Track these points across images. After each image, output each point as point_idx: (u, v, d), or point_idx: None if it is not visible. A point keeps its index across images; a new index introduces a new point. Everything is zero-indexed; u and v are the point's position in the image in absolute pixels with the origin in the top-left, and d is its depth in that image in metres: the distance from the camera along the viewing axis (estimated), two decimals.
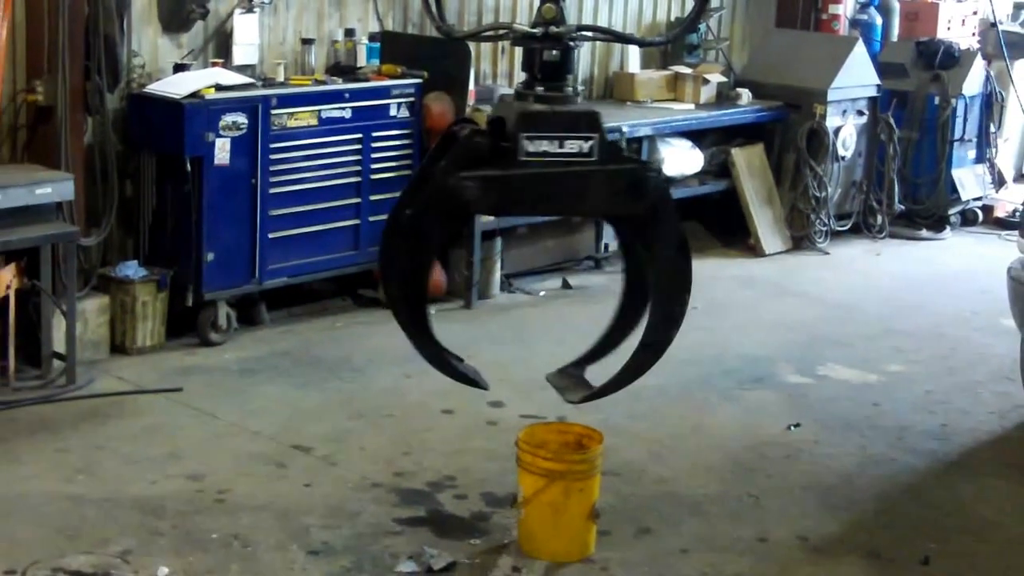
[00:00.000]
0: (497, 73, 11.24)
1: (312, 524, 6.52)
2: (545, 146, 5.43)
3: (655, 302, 5.81)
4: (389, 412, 8.03)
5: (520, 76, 5.91)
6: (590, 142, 5.41)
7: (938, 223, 13.12)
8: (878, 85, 12.59)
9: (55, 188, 8.06)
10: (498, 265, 10.40)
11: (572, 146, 5.43)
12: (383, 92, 9.58)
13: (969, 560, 6.64)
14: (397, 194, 9.42)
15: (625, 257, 6.29)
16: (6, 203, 7.77)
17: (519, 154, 5.46)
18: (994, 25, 14.11)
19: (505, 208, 5.83)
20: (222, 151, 8.71)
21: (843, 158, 12.34)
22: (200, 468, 7.10)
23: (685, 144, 11.53)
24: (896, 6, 13.87)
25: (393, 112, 9.61)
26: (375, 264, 9.56)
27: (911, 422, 8.28)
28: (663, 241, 5.67)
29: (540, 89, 5.63)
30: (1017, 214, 12.79)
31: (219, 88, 8.73)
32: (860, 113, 12.48)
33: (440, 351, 5.99)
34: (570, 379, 6.29)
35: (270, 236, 9.05)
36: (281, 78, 9.28)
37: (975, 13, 14.34)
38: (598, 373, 6.31)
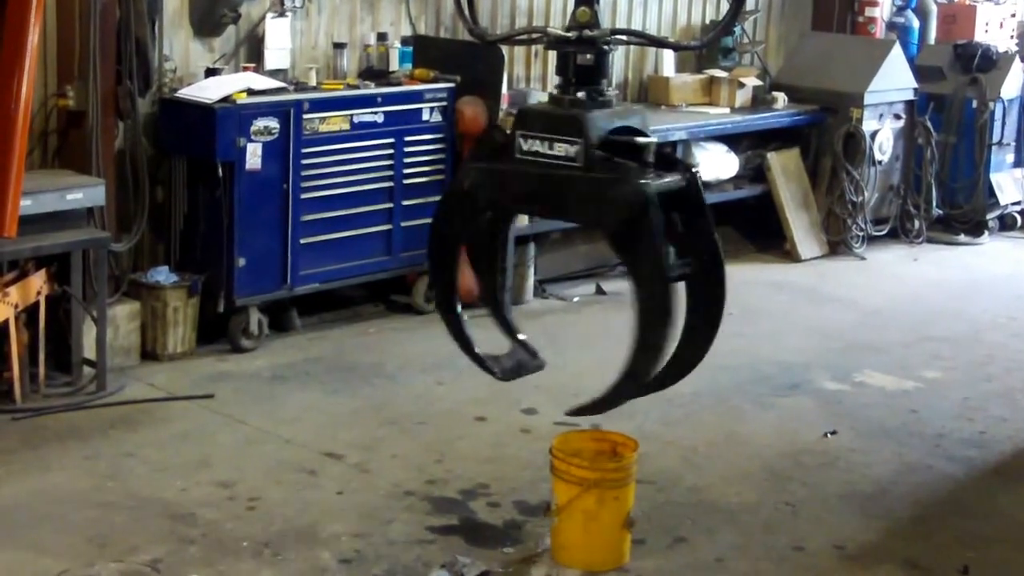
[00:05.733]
0: (530, 77, 11.19)
1: (344, 532, 6.48)
2: (537, 146, 5.41)
3: (634, 327, 5.44)
4: (422, 419, 7.99)
5: (554, 80, 5.87)
6: (575, 146, 5.36)
7: (976, 228, 13.02)
8: (915, 88, 12.52)
9: (86, 193, 8.05)
10: (531, 271, 10.35)
11: (559, 149, 5.38)
12: (416, 96, 9.53)
13: (1008, 569, 6.57)
14: (430, 199, 9.52)
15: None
16: (37, 209, 7.74)
17: (515, 151, 5.45)
18: None
19: (502, 203, 5.77)
20: (254, 156, 8.68)
21: (880, 162, 12.26)
22: (231, 475, 7.07)
23: (720, 148, 11.48)
24: (933, 9, 13.80)
25: (426, 116, 9.56)
26: (408, 269, 9.58)
27: (949, 429, 8.20)
28: (638, 262, 5.45)
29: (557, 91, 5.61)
30: None
31: (251, 93, 8.71)
32: (897, 117, 12.41)
33: (474, 351, 5.94)
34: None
35: (302, 241, 9.02)
36: (313, 82, 9.25)
37: (1013, 15, 14.26)
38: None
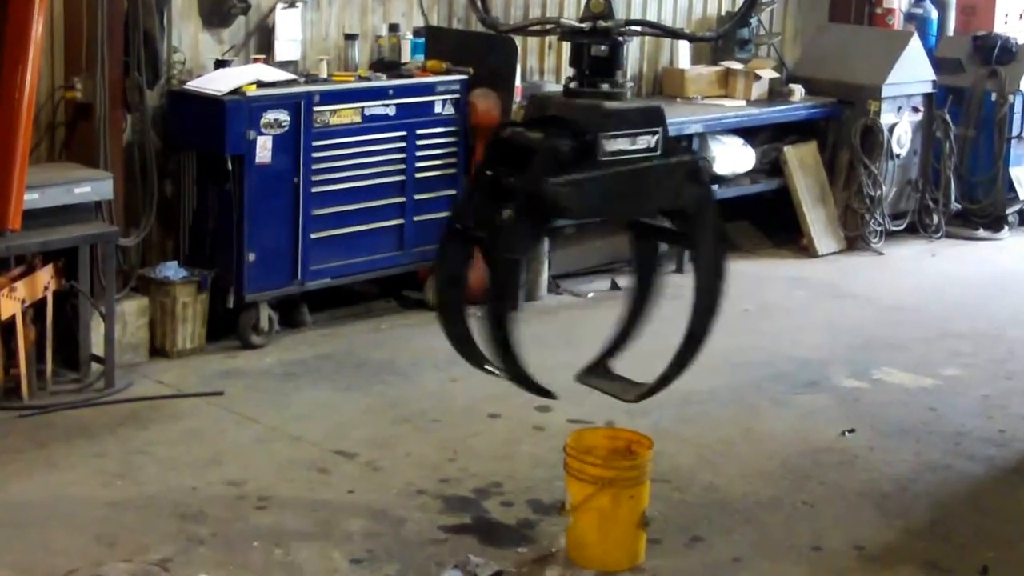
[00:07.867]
0: (544, 69, 11.12)
1: (355, 531, 6.44)
2: (621, 144, 5.39)
3: (697, 293, 5.86)
4: (434, 417, 7.93)
5: (568, 72, 5.82)
6: (656, 136, 5.39)
7: (995, 223, 12.92)
8: (934, 81, 12.42)
9: (94, 187, 7.98)
10: (545, 266, 10.29)
11: (642, 142, 5.39)
12: (428, 88, 9.45)
13: None
14: (442, 193, 9.45)
15: (636, 252, 6.35)
16: (44, 202, 7.69)
17: (599, 154, 5.40)
18: None
19: (595, 211, 5.79)
20: (264, 149, 8.61)
21: (898, 156, 12.17)
22: (241, 474, 7.01)
23: (736, 142, 11.40)
24: (952, 0, 13.69)
25: (438, 109, 9.48)
26: (420, 264, 9.50)
27: (968, 427, 8.12)
28: (706, 231, 5.75)
29: (574, 84, 5.59)
30: None
31: (260, 85, 8.64)
32: (915, 110, 12.31)
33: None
34: (609, 378, 6.30)
35: (312, 236, 8.95)
36: (324, 74, 9.16)
37: None
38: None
